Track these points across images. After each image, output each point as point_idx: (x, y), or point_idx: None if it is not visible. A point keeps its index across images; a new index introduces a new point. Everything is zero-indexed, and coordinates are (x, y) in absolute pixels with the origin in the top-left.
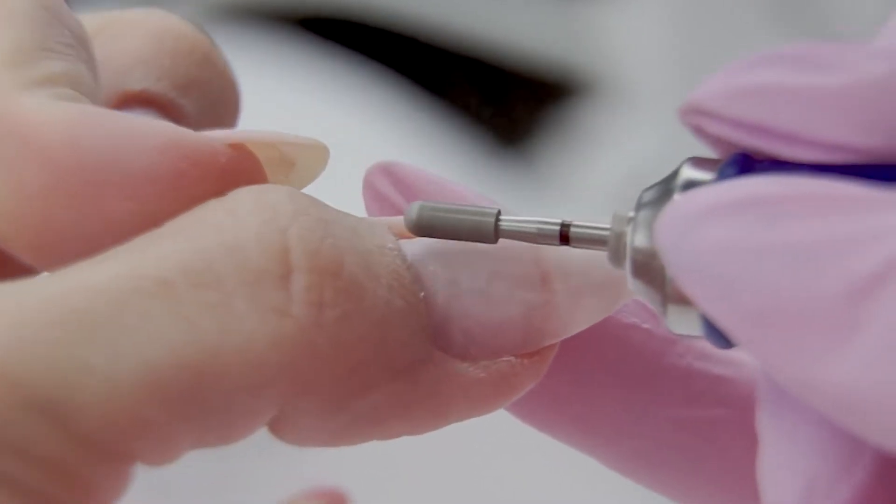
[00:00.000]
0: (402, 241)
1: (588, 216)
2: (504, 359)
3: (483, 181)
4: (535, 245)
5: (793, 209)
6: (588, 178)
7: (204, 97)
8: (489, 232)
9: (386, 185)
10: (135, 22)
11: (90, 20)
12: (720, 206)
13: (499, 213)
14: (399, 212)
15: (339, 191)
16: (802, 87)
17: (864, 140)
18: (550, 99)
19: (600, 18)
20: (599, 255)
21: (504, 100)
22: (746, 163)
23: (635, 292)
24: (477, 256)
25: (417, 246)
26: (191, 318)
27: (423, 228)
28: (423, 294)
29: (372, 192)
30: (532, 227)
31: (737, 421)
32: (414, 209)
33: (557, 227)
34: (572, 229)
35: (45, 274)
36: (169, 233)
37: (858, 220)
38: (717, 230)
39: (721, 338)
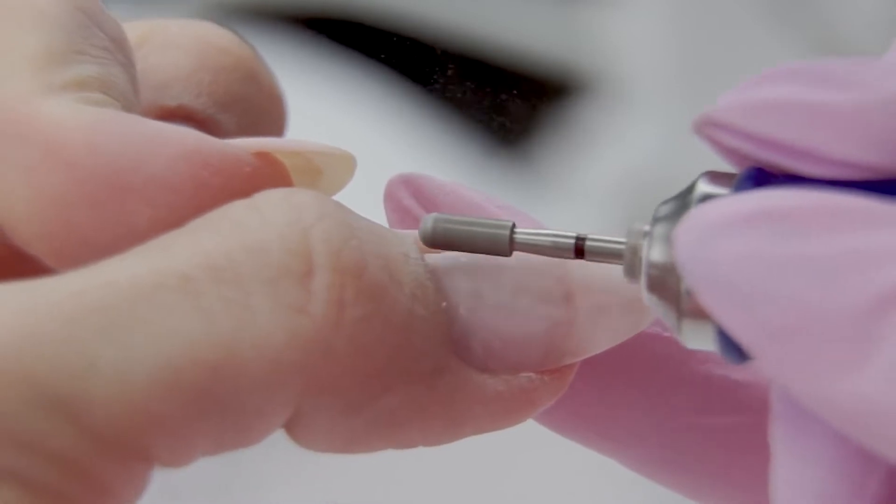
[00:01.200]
0: (428, 255)
1: (602, 230)
2: (524, 374)
3: (482, 180)
4: (560, 261)
5: (813, 223)
6: (587, 176)
7: (246, 114)
8: (504, 244)
9: (407, 197)
10: (178, 34)
11: (133, 28)
12: (740, 218)
13: (513, 225)
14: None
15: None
16: (815, 103)
17: (875, 158)
18: (549, 98)
19: (599, 17)
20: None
21: (503, 99)
22: (761, 177)
23: (650, 306)
24: (501, 270)
25: (442, 258)
26: (209, 314)
27: (437, 241)
28: (445, 304)
29: (393, 204)
30: (547, 240)
31: (755, 426)
32: (429, 222)
33: (573, 241)
34: (587, 243)
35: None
36: (192, 230)
37: (881, 235)
38: (736, 242)
39: (735, 353)
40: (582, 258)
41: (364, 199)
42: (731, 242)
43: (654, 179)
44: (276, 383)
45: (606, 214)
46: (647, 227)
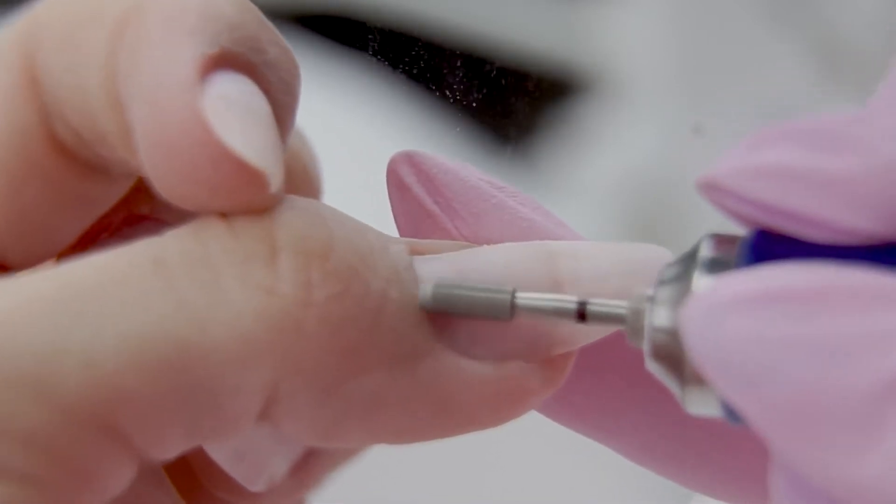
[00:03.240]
0: (418, 258)
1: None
2: (514, 362)
3: None
4: (548, 250)
5: (820, 303)
6: (587, 175)
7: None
8: (505, 309)
9: (409, 174)
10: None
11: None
12: (747, 298)
13: (514, 291)
14: (419, 203)
15: (337, 186)
16: (814, 170)
17: (876, 226)
18: (550, 96)
19: (600, 16)
20: (613, 265)
21: (503, 97)
22: (766, 243)
23: (653, 371)
24: (486, 265)
25: (433, 262)
26: (180, 293)
27: (439, 306)
28: (422, 294)
29: (394, 181)
30: (549, 304)
31: None
32: (428, 290)
33: (574, 305)
34: (589, 307)
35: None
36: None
37: (888, 317)
38: (743, 322)
39: (740, 419)
40: (584, 321)
41: (364, 196)
42: (738, 323)
43: (654, 179)
44: (248, 361)
45: (606, 213)
46: (650, 292)
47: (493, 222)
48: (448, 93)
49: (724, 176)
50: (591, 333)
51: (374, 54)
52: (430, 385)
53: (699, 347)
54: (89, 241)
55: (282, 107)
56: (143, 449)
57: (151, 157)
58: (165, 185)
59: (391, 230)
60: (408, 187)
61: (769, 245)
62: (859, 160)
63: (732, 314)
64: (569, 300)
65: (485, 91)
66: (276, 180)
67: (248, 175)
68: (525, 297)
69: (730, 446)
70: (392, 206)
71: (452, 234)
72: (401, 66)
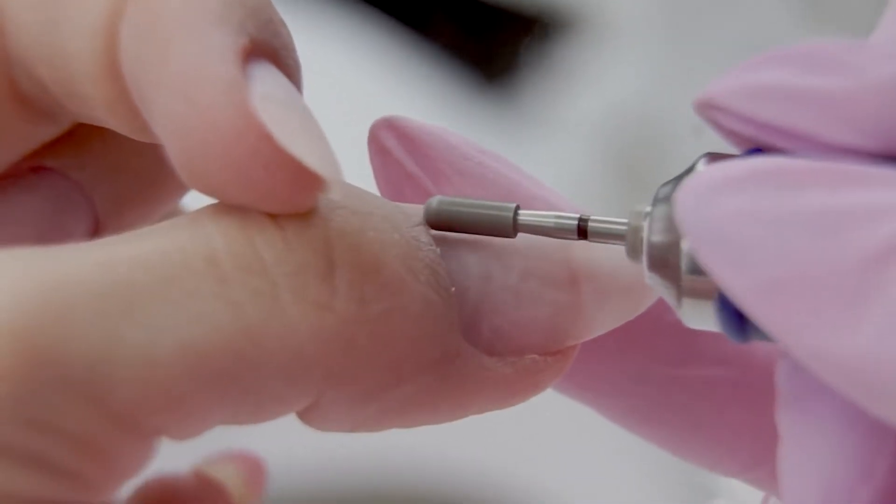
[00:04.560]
0: (436, 233)
1: (604, 213)
2: (529, 356)
3: (465, 117)
4: (565, 244)
5: (811, 180)
6: (570, 113)
7: None
8: (508, 226)
9: (391, 140)
10: None
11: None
12: (739, 176)
13: (517, 207)
14: (401, 166)
15: (323, 126)
16: (810, 89)
17: (869, 143)
18: (533, 34)
19: None
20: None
21: (487, 35)
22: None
23: (652, 285)
24: (509, 253)
25: (451, 239)
26: (236, 302)
27: (442, 223)
28: (454, 289)
29: (376, 146)
30: (550, 221)
31: (735, 379)
32: (433, 205)
33: (575, 222)
34: (590, 224)
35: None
36: (212, 216)
37: (877, 192)
38: (735, 199)
39: (736, 330)
40: (585, 239)
41: (348, 135)
42: (729, 199)
43: (637, 116)
44: (298, 374)
45: (589, 151)
46: (647, 209)
47: (478, 181)
48: (431, 31)
49: (721, 95)
50: (604, 325)
51: None
52: (457, 386)
53: (692, 227)
54: None
55: (297, 88)
56: (174, 437)
57: (189, 153)
58: (205, 182)
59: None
60: (389, 151)
61: None
62: (856, 80)
63: (724, 192)
64: (570, 216)
65: (468, 29)
66: (338, 186)
67: (308, 182)
68: (527, 214)
69: (717, 412)
70: (374, 172)
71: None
72: (383, 5)
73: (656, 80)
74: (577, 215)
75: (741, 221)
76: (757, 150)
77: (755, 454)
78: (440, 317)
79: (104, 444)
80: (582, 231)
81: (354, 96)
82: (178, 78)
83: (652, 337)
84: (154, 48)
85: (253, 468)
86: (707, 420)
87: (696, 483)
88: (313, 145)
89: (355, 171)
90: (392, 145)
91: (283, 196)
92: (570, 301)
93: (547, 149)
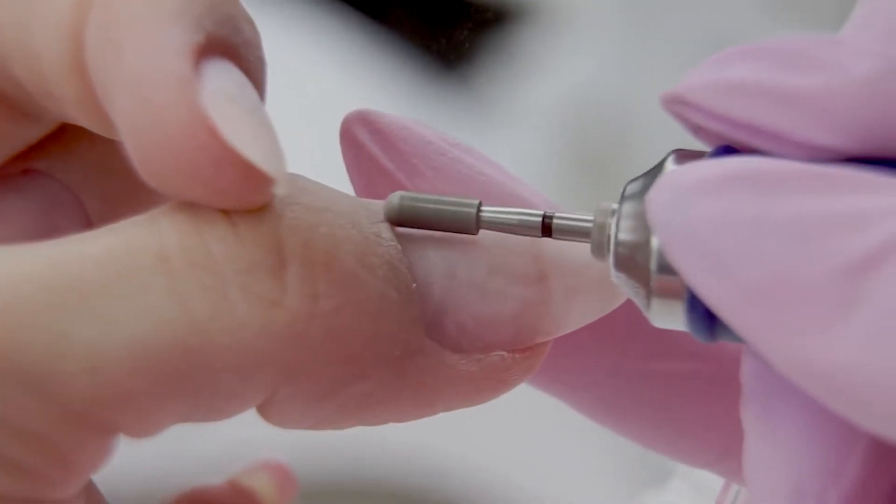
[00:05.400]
0: (400, 229)
1: (570, 210)
2: (496, 353)
3: (424, 104)
4: (534, 240)
5: (791, 185)
6: (527, 101)
7: None
8: (470, 223)
9: (364, 134)
10: None
11: None
12: (716, 179)
13: (479, 204)
14: (375, 161)
15: (280, 116)
16: (784, 87)
17: (845, 143)
18: (491, 23)
19: None
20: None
21: (444, 24)
22: (732, 155)
23: (617, 284)
24: (475, 249)
25: (417, 235)
26: (185, 297)
27: (404, 219)
28: (415, 285)
29: (349, 140)
30: (514, 218)
31: (707, 373)
32: (395, 200)
33: (539, 219)
34: (555, 221)
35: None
36: (167, 212)
37: (859, 198)
38: (712, 203)
39: (705, 330)
40: (549, 236)
41: (306, 124)
42: (707, 202)
43: (596, 104)
44: (250, 370)
45: (547, 139)
46: (614, 206)
47: (451, 177)
48: (389, 19)
49: (691, 90)
50: (573, 322)
51: None
52: (418, 383)
53: (666, 230)
54: None
55: (258, 85)
56: (132, 435)
57: (141, 150)
58: (156, 178)
59: (333, 156)
60: (362, 145)
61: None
62: (831, 78)
63: (701, 194)
64: (534, 213)
65: (426, 17)
66: (284, 183)
67: (257, 179)
68: (490, 211)
69: (689, 406)
70: (347, 165)
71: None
72: None
73: (615, 68)
74: (542, 212)
75: (719, 226)
76: (727, 147)
77: (727, 446)
78: (399, 313)
79: (57, 439)
80: (546, 228)
81: (313, 86)
82: (132, 75)
83: (625, 331)
84: (112, 46)
85: (284, 477)
86: (679, 414)
87: (653, 463)
88: (259, 141)
89: (314, 160)
90: (365, 140)
91: (232, 192)
92: (537, 297)
93: (505, 136)
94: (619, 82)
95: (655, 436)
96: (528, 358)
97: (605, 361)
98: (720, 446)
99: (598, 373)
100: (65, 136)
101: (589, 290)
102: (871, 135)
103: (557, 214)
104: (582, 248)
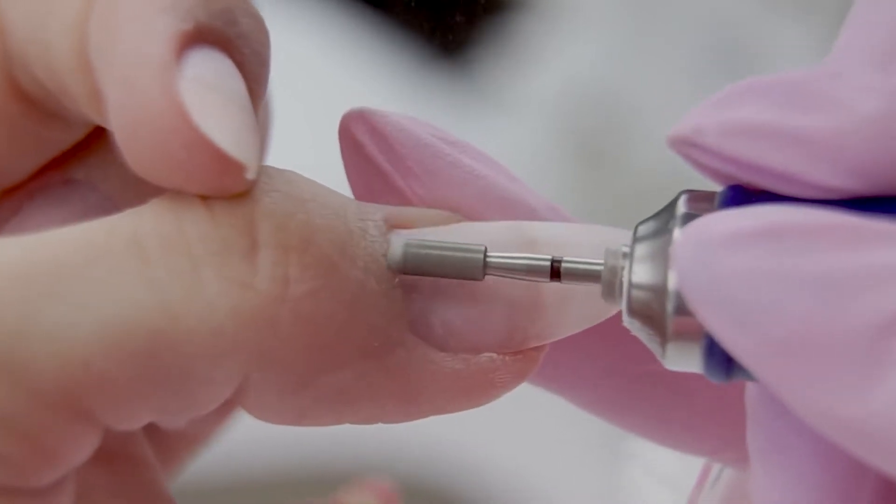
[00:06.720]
0: (395, 238)
1: (579, 257)
2: (485, 355)
3: (423, 93)
4: (527, 240)
5: (821, 239)
6: (527, 90)
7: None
8: (477, 269)
9: (362, 133)
10: None
11: None
12: (745, 233)
13: (486, 249)
14: (372, 161)
15: (278, 104)
16: (791, 128)
17: (855, 184)
18: (489, 10)
19: None
20: (593, 249)
21: (443, 11)
22: (743, 197)
23: (629, 328)
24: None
25: (407, 233)
26: (157, 281)
27: (409, 267)
28: (398, 280)
29: (348, 139)
30: (521, 262)
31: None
32: (398, 248)
33: (548, 263)
34: (563, 265)
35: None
36: (152, 201)
37: (886, 252)
38: (741, 257)
39: (721, 373)
40: (558, 280)
41: (301, 111)
42: (736, 257)
43: (594, 92)
44: (221, 354)
45: (545, 127)
46: (625, 248)
47: (449, 181)
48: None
49: (698, 132)
50: (568, 327)
51: None
52: (400, 378)
53: (691, 285)
54: (27, 197)
55: (255, 79)
56: (110, 425)
57: (124, 135)
58: (139, 164)
59: (330, 147)
60: (361, 145)
61: (747, 199)
62: (838, 118)
63: (727, 250)
64: (542, 258)
65: (424, 4)
66: (252, 169)
67: (225, 164)
68: (497, 256)
69: (686, 402)
70: (345, 164)
71: (406, 194)
72: None
73: (615, 56)
74: (550, 257)
75: (746, 282)
76: (738, 187)
77: (724, 438)
78: (379, 305)
79: (29, 424)
80: (555, 272)
81: (309, 72)
82: (120, 62)
83: (621, 335)
84: (107, 35)
85: (387, 496)
86: (676, 409)
87: (616, 447)
88: (231, 128)
89: (312, 150)
90: (364, 139)
91: (206, 178)
92: (529, 300)
93: (505, 125)
94: (619, 71)
95: (653, 430)
96: (520, 361)
97: (601, 363)
98: (717, 438)
99: (594, 373)
100: (102, 145)
101: (584, 296)
102: (881, 174)
103: (566, 259)
104: (577, 244)
